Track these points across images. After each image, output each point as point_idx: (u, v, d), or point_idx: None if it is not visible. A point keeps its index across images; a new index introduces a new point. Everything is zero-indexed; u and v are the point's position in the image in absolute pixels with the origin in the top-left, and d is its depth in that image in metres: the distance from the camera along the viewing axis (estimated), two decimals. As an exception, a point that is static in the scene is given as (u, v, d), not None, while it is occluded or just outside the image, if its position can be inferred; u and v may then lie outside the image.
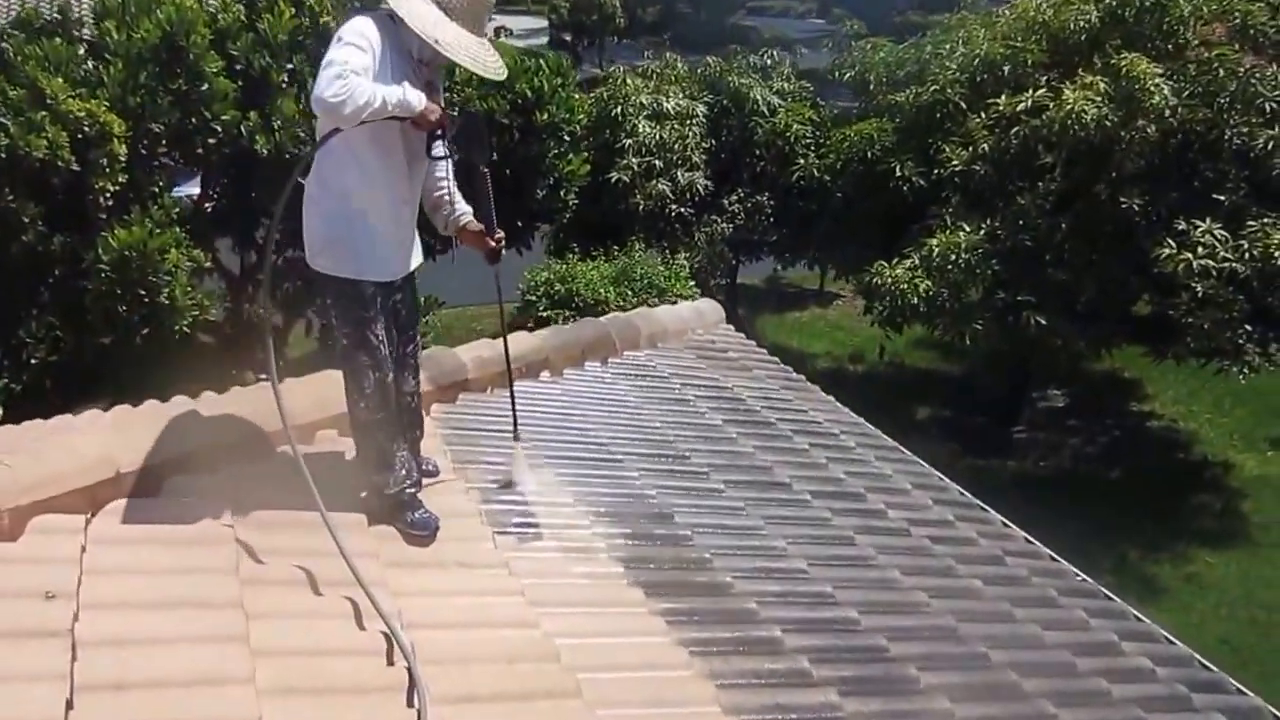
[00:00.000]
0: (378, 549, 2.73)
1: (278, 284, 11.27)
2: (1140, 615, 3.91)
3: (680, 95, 12.71)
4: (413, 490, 2.88)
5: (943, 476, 4.77)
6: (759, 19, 43.53)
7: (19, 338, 8.83)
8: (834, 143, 12.59)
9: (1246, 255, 9.86)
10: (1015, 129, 11.01)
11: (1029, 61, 11.45)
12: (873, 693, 2.74)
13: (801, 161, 12.72)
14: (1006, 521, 4.46)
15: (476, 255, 3.08)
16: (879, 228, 12.42)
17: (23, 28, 8.75)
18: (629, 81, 12.77)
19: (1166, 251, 9.96)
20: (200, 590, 2.32)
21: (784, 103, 13.38)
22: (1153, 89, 10.16)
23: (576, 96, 11.37)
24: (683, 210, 12.57)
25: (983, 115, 11.48)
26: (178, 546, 2.47)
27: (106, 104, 8.30)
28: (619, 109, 12.24)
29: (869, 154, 12.10)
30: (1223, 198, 10.40)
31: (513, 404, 3.30)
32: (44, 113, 7.96)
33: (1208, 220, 10.04)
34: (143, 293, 8.39)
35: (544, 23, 34.15)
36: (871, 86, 12.86)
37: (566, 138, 11.12)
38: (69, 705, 1.89)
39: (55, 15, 9.13)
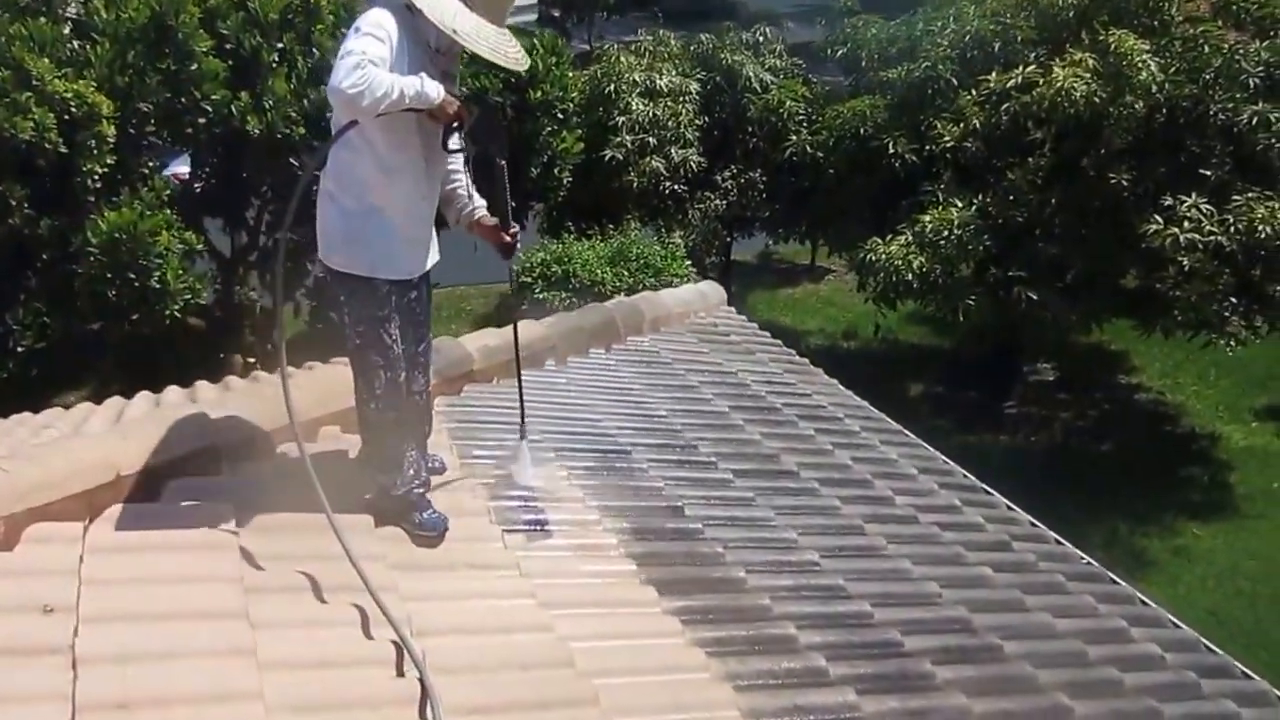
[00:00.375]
0: (385, 551, 2.63)
1: (269, 266, 11.11)
2: (1146, 599, 3.86)
3: (673, 72, 12.49)
4: (421, 490, 2.79)
5: (947, 460, 4.71)
6: (747, -8, 42.99)
7: (5, 325, 8.67)
8: (826, 120, 12.41)
9: (1231, 229, 9.82)
10: (1006, 105, 10.93)
11: (1019, 38, 11.39)
12: (890, 690, 2.67)
13: (794, 138, 12.54)
14: (1011, 505, 4.40)
15: (470, 236, 2.98)
16: (871, 204, 12.29)
17: (6, 7, 8.50)
18: (622, 59, 12.54)
19: (1154, 227, 9.92)
20: (204, 600, 2.22)
21: (776, 80, 13.19)
22: (1140, 65, 10.12)
23: (570, 74, 11.20)
24: (676, 187, 12.40)
25: (974, 92, 11.39)
26: (180, 553, 2.37)
27: (94, 84, 8.10)
28: (612, 87, 12.02)
29: (861, 131, 11.94)
30: (1208, 173, 10.35)
31: (520, 402, 3.18)
32: (29, 94, 7.76)
33: (1194, 195, 10.00)
34: (133, 276, 8.23)
35: (533, -1, 33.74)
36: (863, 63, 12.68)
37: (560, 116, 10.96)
38: (71, 727, 1.80)
39: (40, -6, 8.91)
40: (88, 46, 8.37)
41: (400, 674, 2.16)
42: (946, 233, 10.40)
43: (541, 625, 2.50)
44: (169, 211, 8.57)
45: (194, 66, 8.45)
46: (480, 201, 2.90)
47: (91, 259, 8.07)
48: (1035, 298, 10.72)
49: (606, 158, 11.86)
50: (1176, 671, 3.27)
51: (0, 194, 7.95)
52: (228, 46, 8.78)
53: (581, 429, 3.84)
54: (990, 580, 3.49)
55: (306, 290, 10.71)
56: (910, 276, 10.35)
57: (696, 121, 12.55)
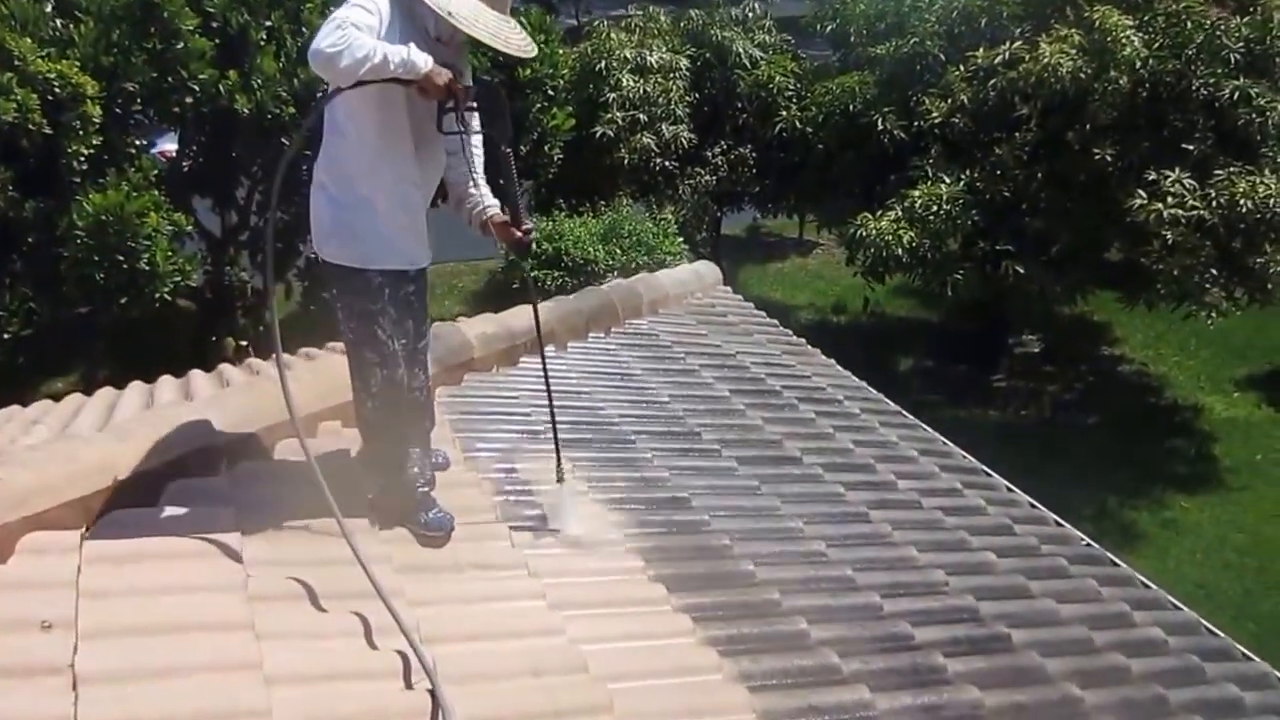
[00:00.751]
0: (391, 554, 2.54)
1: (260, 247, 10.93)
2: (1147, 582, 3.81)
3: (663, 49, 12.31)
4: (425, 490, 2.69)
5: (946, 441, 4.65)
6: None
7: (-10, 311, 8.49)
8: (816, 96, 12.29)
9: (1214, 203, 9.80)
10: (993, 81, 10.88)
11: (1005, 14, 11.35)
12: (902, 686, 2.61)
13: (783, 114, 12.41)
14: (1010, 486, 4.35)
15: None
16: (861, 180, 12.21)
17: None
18: (612, 35, 12.34)
19: (1138, 202, 9.89)
20: (207, 611, 2.13)
21: (765, 55, 13.02)
22: (1124, 41, 10.10)
23: (559, 51, 11.01)
24: (667, 164, 12.26)
25: (961, 68, 11.34)
26: (181, 561, 2.27)
27: (78, 64, 7.89)
28: (602, 63, 11.84)
29: (850, 107, 11.84)
30: (1191, 147, 10.33)
31: (555, 439, 2.94)
32: (11, 74, 7.54)
33: (1176, 170, 9.97)
34: (121, 259, 8.07)
35: (518, -28, 33.14)
36: (852, 38, 12.55)
37: (550, 93, 10.78)
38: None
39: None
40: (71, 25, 8.15)
41: (410, 686, 2.08)
42: (936, 208, 10.35)
43: (553, 628, 2.42)
44: (157, 192, 8.39)
45: (180, 45, 8.24)
46: (491, 199, 2.74)
47: (78, 242, 7.90)
48: (1022, 271, 10.69)
49: (597, 135, 11.70)
50: (1180, 656, 3.23)
51: (-16, 177, 7.77)
52: (214, 25, 8.57)
53: (584, 417, 3.75)
54: (994, 566, 3.44)
55: (299, 271, 10.56)
56: (900, 251, 10.29)
57: (687, 98, 12.39)
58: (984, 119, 11.06)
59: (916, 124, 11.37)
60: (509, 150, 2.59)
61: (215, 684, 1.93)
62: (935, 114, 11.15)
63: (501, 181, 2.69)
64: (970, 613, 3.06)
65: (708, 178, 12.88)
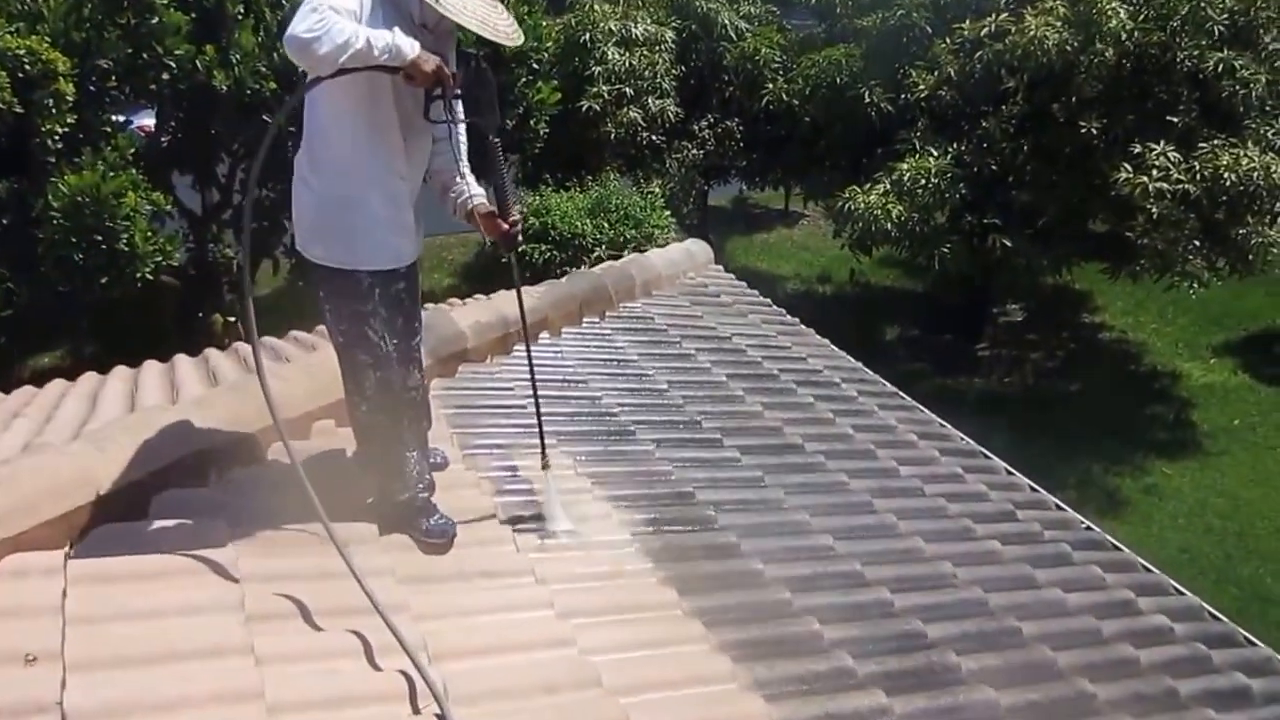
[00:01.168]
0: (393, 564, 2.42)
1: (242, 225, 10.67)
2: (1148, 566, 3.76)
3: (648, 21, 12.02)
4: (425, 495, 2.56)
5: (944, 424, 4.56)
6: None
7: (-33, 293, 8.21)
8: (802, 68, 12.06)
9: (1198, 176, 9.71)
10: (979, 54, 10.71)
11: (990, -15, 11.13)
12: (918, 687, 2.52)
13: (770, 86, 12.19)
14: (1010, 469, 4.28)
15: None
16: (847, 153, 12.04)
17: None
18: (596, 7, 12.02)
19: (1124, 175, 9.80)
20: (203, 635, 2.00)
21: (751, 27, 12.77)
22: (1110, 13, 9.95)
23: (544, 23, 10.73)
24: (653, 138, 12.03)
25: (948, 40, 11.16)
26: (172, 580, 2.14)
27: (49, 40, 7.57)
28: (587, 36, 11.55)
29: (837, 79, 11.63)
30: (1175, 119, 10.22)
31: (539, 424, 2.84)
32: (-20, 52, 7.24)
33: (1161, 143, 9.87)
34: (100, 239, 7.79)
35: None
36: (838, 9, 12.31)
37: (535, 66, 10.52)
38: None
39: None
40: (40, 0, 7.82)
41: (418, 710, 1.97)
42: (924, 181, 10.21)
43: (563, 639, 2.31)
44: (135, 171, 8.10)
45: (155, 20, 7.93)
46: (478, 189, 2.60)
47: (54, 223, 7.62)
48: (1009, 245, 10.61)
49: (583, 109, 11.45)
50: (1186, 644, 3.17)
51: (-45, 158, 7.48)
52: (190, -2, 8.26)
53: (583, 408, 3.64)
54: (1000, 555, 3.37)
55: (285, 249, 10.30)
56: (889, 226, 10.16)
57: (673, 71, 12.14)
58: (971, 92, 10.91)
59: (903, 97, 11.20)
60: (497, 140, 2.44)
61: (215, 718, 1.81)
62: (922, 87, 11.00)
63: (493, 171, 2.56)
64: (980, 606, 2.99)
65: (695, 151, 12.67)
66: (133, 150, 8.29)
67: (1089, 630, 3.05)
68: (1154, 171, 9.66)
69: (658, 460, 3.34)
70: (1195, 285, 10.85)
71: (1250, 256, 10.26)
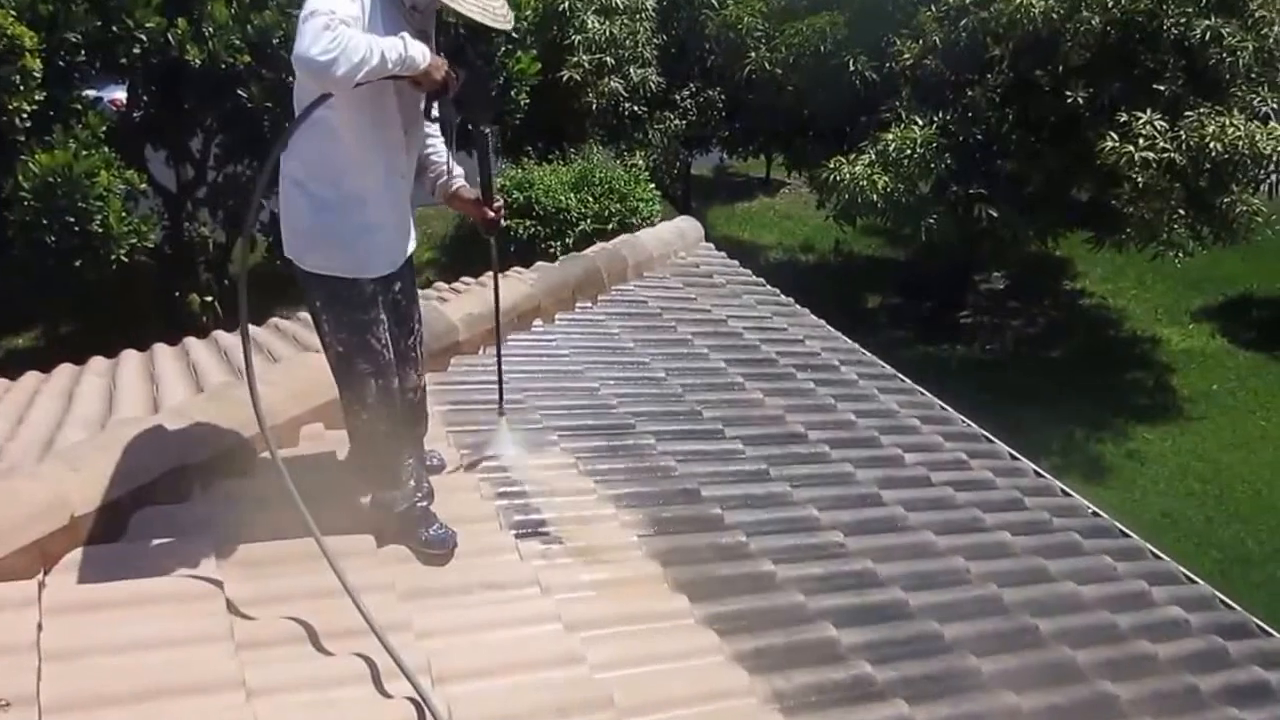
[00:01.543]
0: (393, 578, 2.27)
1: (219, 202, 10.38)
2: (1159, 553, 3.66)
3: (629, -13, 11.73)
4: (425, 504, 2.41)
5: (945, 406, 4.44)
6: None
7: (-64, 276, 7.93)
8: (785, 36, 11.80)
9: (1184, 145, 9.60)
10: (964, 21, 10.50)
11: (975, -49, 10.87)
12: (940, 694, 2.42)
13: (752, 55, 11.92)
14: (1015, 453, 4.16)
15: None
16: (831, 122, 11.83)
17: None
18: (575, -26, 11.71)
19: (1110, 144, 9.66)
20: (191, 668, 1.85)
21: (733, -7, 12.49)
22: (1097, -22, 9.73)
23: (522, -9, 10.42)
24: (635, 108, 11.78)
25: (932, 8, 10.94)
26: (155, 608, 1.98)
27: (14, 14, 7.24)
28: (566, 4, 11.23)
29: (820, 48, 11.39)
30: (1162, 88, 10.07)
31: (500, 376, 2.90)
32: (-58, 27, 6.91)
33: (1148, 111, 9.73)
34: (72, 220, 7.52)
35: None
36: (821, -26, 12.04)
37: (514, 35, 10.22)
38: None
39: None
40: (4, -29, 7.47)
41: (426, 745, 1.83)
42: (910, 151, 10.03)
43: (573, 656, 2.18)
44: (107, 149, 7.81)
45: (123, -8, 7.61)
46: (458, 171, 2.46)
47: (25, 204, 7.34)
48: (995, 214, 10.48)
49: (564, 79, 11.17)
50: (1203, 637, 3.08)
51: (-80, 137, 7.17)
52: (160, -32, 7.91)
53: (581, 400, 3.49)
54: (1011, 546, 3.26)
55: (262, 226, 10.03)
56: (875, 197, 10.00)
57: (654, 39, 11.85)
58: (956, 60, 10.71)
59: (888, 65, 10.99)
60: (489, 130, 2.34)
61: (205, 763, 1.67)
62: (907, 55, 10.79)
63: (482, 160, 2.43)
64: (994, 602, 2.88)
65: (677, 122, 12.42)
66: (104, 128, 7.98)
67: (1104, 625, 2.95)
68: (1140, 140, 9.54)
69: (660, 455, 3.20)
70: (1180, 254, 10.78)
71: (1235, 225, 10.18)
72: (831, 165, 10.41)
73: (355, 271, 2.19)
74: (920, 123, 10.30)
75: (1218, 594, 3.47)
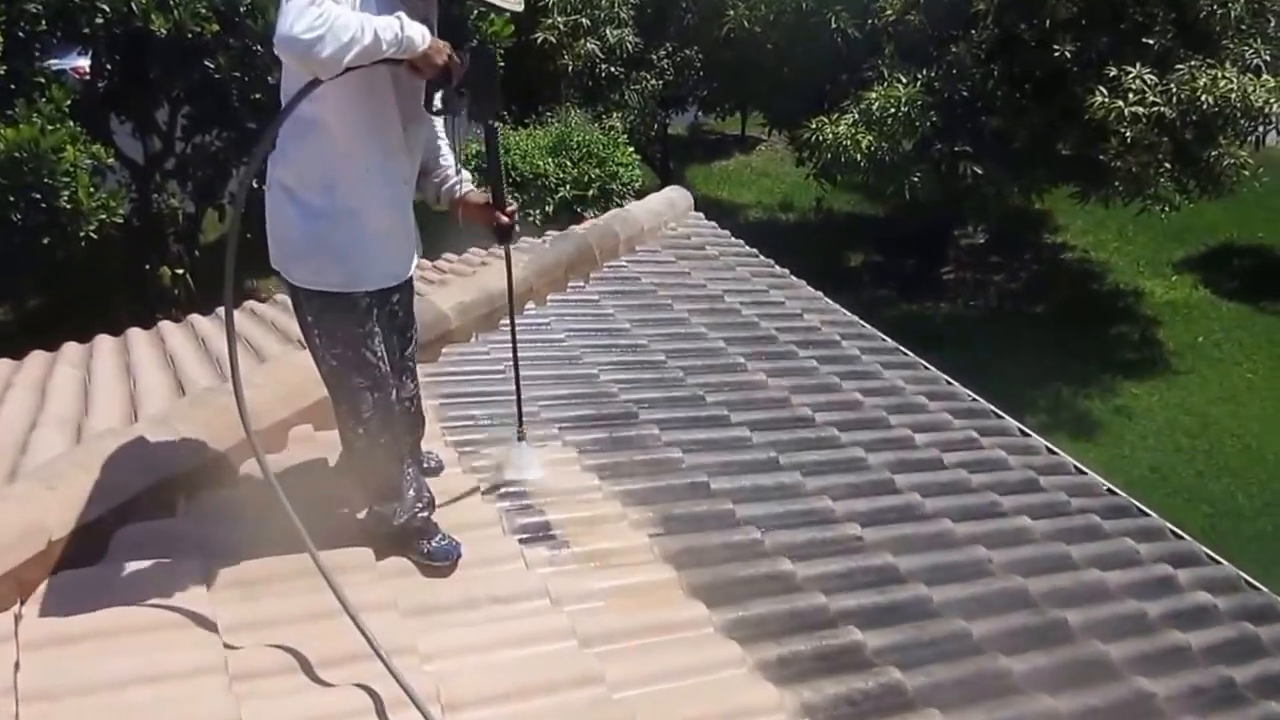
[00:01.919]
0: (394, 595, 2.11)
1: (187, 173, 10.02)
2: (1179, 532, 3.55)
3: (605, -55, 11.35)
4: (425, 514, 2.24)
5: (951, 380, 4.32)
6: None
7: (-96, 256, 7.58)
8: (765, -8, 11.50)
9: (1174, 99, 9.44)
10: (949, -27, 10.23)
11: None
12: (974, 699, 2.30)
13: (731, 13, 11.61)
14: (1024, 429, 4.05)
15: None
16: (811, 80, 11.57)
17: None
18: (550, -67, 11.31)
19: (1099, 99, 9.49)
20: (181, 706, 1.69)
21: (711, -52, 12.12)
22: (1086, -71, 9.48)
23: (496, -50, 10.03)
24: (612, 69, 11.46)
25: (916, -40, 10.64)
26: (141, 637, 1.82)
27: (-33, -15, 6.84)
28: (541, -37, 10.89)
29: (801, 4, 11.09)
30: (1151, 41, 9.87)
31: (518, 397, 2.65)
32: (-112, -3, 6.51)
33: (1138, 65, 9.54)
34: (39, 197, 7.19)
35: None
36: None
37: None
38: None
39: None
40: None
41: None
42: (894, 110, 9.81)
43: (590, 675, 2.04)
44: (74, 124, 7.45)
45: (82, -42, 7.20)
46: (465, 174, 2.25)
47: (-12, 181, 6.99)
48: (980, 171, 10.31)
49: (539, 41, 10.82)
50: (1233, 624, 2.98)
51: (-127, 114, 6.79)
52: (119, -67, 7.49)
53: (580, 389, 3.32)
54: (1031, 532, 3.14)
55: (232, 197, 9.69)
56: (859, 156, 9.79)
57: None
58: (939, 16, 10.45)
59: (870, 22, 10.72)
60: (494, 124, 2.10)
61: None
62: (889, 11, 10.52)
63: (490, 158, 2.21)
64: (1020, 596, 2.76)
65: (654, 82, 12.11)
66: (69, 101, 7.60)
67: (1133, 615, 2.84)
68: (1129, 95, 9.36)
69: (665, 446, 3.05)
70: (1166, 209, 10.68)
71: (1221, 178, 10.07)
72: (814, 125, 10.17)
73: (349, 286, 2.00)
74: (904, 81, 10.07)
75: (1243, 575, 3.38)
